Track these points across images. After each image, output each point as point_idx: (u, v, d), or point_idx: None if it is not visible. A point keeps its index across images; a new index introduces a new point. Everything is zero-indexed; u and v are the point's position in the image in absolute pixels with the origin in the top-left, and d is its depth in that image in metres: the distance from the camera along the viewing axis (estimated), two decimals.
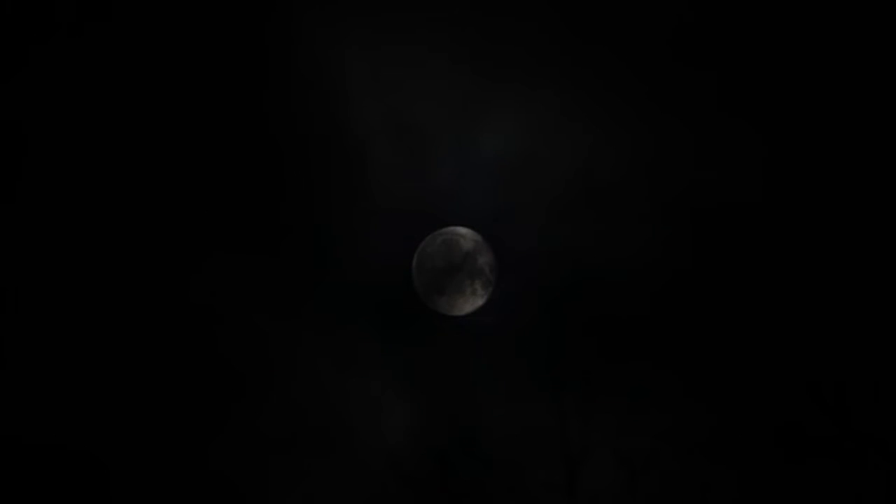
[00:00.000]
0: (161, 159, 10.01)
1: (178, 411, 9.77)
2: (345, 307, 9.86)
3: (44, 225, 9.94)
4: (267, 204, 9.91)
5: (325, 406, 9.92)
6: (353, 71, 9.94)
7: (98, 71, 9.96)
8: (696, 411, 9.66)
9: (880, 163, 9.83)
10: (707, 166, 9.84)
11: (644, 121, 9.90)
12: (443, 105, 9.95)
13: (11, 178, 9.87)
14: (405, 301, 10.05)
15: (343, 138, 9.96)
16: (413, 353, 10.04)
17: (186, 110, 10.00)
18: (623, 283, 9.76)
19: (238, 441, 9.77)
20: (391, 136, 9.89)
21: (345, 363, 9.92)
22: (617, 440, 9.76)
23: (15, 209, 9.88)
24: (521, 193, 9.98)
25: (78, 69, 9.95)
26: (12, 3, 9.79)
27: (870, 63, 9.83)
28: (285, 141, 9.94)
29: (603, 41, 9.94)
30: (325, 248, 9.92)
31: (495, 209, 9.97)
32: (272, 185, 9.92)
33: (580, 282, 9.68)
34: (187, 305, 9.86)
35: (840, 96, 9.86)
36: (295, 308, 9.88)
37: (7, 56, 9.71)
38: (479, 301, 10.03)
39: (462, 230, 10.04)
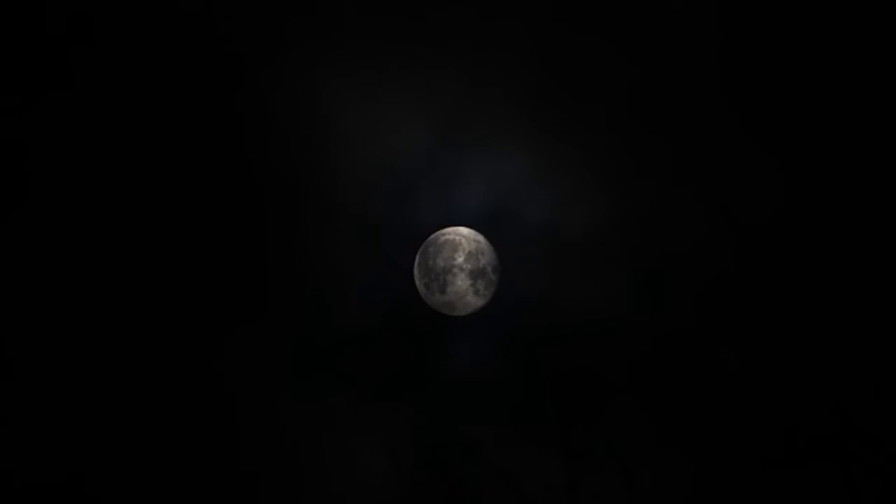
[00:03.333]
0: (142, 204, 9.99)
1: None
2: (343, 351, 9.91)
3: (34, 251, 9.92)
4: (251, 255, 9.92)
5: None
6: (333, 120, 9.95)
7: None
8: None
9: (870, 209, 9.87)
10: (695, 232, 9.89)
11: (638, 180, 9.94)
12: (422, 153, 9.96)
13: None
14: (406, 304, 10.05)
15: (320, 190, 9.97)
16: (413, 355, 10.05)
17: (163, 156, 9.99)
18: (603, 337, 9.82)
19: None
20: (370, 186, 9.90)
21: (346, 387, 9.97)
22: (617, 442, 9.81)
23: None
24: (502, 243, 10.05)
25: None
26: None
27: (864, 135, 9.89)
28: (268, 185, 9.95)
29: (584, 94, 9.96)
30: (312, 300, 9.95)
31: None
32: (255, 235, 9.92)
33: (559, 334, 9.77)
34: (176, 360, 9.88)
35: (825, 158, 9.90)
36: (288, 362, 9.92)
37: None
38: (480, 301, 10.03)
39: (465, 230, 10.04)
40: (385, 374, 9.91)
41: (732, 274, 9.82)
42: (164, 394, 9.76)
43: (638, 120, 9.92)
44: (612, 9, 9.93)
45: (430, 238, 10.05)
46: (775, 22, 9.91)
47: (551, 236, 9.92)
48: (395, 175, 10.00)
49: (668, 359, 9.74)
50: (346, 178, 9.96)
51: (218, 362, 9.82)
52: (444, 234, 10.05)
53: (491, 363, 9.93)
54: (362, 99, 9.93)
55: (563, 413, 9.76)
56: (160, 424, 9.75)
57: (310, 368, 9.89)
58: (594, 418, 9.73)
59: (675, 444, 9.73)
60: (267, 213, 9.96)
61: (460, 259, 9.99)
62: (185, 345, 9.78)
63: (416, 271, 10.06)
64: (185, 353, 9.78)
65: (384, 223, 9.98)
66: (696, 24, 9.92)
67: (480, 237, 10.04)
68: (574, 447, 9.73)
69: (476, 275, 10.01)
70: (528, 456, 9.91)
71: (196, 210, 9.89)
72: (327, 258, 9.97)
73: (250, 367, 9.84)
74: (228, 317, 9.87)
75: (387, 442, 9.86)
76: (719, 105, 9.88)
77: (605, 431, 9.72)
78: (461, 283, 10.00)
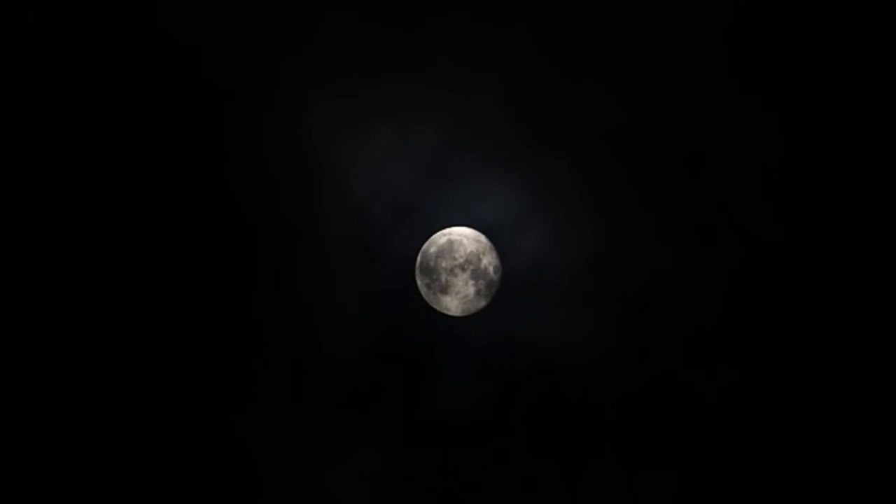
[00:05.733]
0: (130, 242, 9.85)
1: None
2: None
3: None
4: (244, 288, 9.83)
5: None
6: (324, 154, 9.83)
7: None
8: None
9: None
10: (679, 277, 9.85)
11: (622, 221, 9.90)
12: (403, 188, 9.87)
13: None
14: (407, 306, 9.99)
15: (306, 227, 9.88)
16: (414, 355, 10.00)
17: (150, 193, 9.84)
18: (590, 373, 9.83)
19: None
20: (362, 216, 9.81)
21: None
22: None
23: None
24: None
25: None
26: None
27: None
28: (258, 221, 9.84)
29: (568, 129, 9.87)
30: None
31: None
32: (247, 268, 9.82)
33: (543, 367, 9.78)
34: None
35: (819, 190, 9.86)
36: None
37: None
38: (482, 302, 9.95)
39: (466, 230, 9.95)
40: (387, 388, 9.88)
41: (730, 282, 9.81)
42: (160, 427, 9.73)
43: (632, 154, 9.85)
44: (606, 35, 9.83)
45: (431, 238, 9.95)
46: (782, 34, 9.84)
47: (538, 270, 9.89)
48: (383, 208, 9.90)
49: (656, 390, 9.77)
50: (337, 208, 9.87)
51: (215, 393, 9.77)
52: (445, 235, 9.95)
53: (491, 369, 9.91)
54: (350, 128, 9.82)
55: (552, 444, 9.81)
56: (157, 441, 9.71)
57: (307, 391, 9.86)
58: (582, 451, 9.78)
59: (669, 461, 9.78)
60: (258, 248, 9.86)
61: (461, 259, 9.90)
62: (178, 386, 9.73)
63: (417, 272, 9.97)
64: (178, 395, 9.72)
65: (376, 252, 9.89)
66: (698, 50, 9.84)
67: (482, 237, 9.95)
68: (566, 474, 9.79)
69: (478, 275, 9.92)
70: (524, 469, 9.94)
71: (185, 249, 9.78)
72: (322, 287, 9.90)
73: (251, 395, 9.79)
74: (225, 351, 9.81)
75: (386, 450, 9.84)
76: (715, 136, 9.82)
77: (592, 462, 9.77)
78: (462, 283, 9.92)
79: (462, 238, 9.96)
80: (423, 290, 9.98)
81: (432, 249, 9.95)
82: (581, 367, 9.80)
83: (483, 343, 9.94)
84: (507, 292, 9.94)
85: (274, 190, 9.81)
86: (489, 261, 9.96)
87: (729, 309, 9.73)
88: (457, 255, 9.92)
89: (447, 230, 9.97)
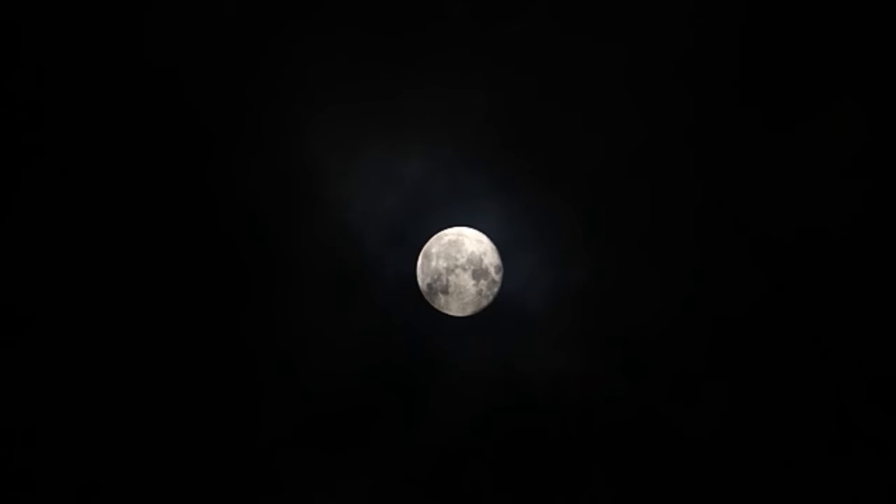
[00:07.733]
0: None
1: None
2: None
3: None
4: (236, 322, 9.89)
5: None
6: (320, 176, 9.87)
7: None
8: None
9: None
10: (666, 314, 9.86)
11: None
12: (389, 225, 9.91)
13: None
14: (407, 305, 10.03)
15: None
16: (415, 355, 10.04)
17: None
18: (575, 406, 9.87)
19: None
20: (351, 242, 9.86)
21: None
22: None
23: None
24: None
25: None
26: None
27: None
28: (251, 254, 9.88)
29: (558, 158, 9.88)
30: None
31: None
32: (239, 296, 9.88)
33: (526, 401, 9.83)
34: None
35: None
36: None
37: None
38: (483, 302, 9.99)
39: (468, 230, 9.98)
40: (385, 407, 9.94)
41: (722, 316, 9.82)
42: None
43: (621, 184, 9.87)
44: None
45: (432, 238, 9.99)
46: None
47: (521, 305, 9.95)
48: (376, 230, 9.96)
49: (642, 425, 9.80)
50: (331, 232, 9.92)
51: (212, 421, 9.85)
52: (446, 235, 9.99)
53: (477, 399, 9.98)
54: (341, 150, 9.87)
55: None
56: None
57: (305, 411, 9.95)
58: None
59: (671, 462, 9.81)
60: (250, 273, 9.93)
61: (462, 259, 9.94)
62: (174, 413, 9.80)
63: (418, 272, 10.02)
64: (174, 422, 9.80)
65: (371, 272, 9.95)
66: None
67: (483, 237, 9.98)
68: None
69: (479, 275, 9.96)
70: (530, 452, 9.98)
71: (178, 279, 9.84)
72: (319, 309, 9.97)
73: (249, 418, 9.87)
74: (222, 378, 9.88)
75: (383, 469, 9.92)
76: (717, 160, 9.82)
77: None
78: (464, 283, 9.95)
79: (463, 238, 10.00)
80: (424, 291, 10.02)
81: (434, 249, 9.99)
82: (571, 398, 9.83)
83: (468, 378, 9.99)
84: (497, 319, 9.99)
85: (265, 212, 9.85)
86: (490, 261, 10.00)
87: (719, 343, 9.75)
88: (458, 255, 9.95)
89: (447, 230, 10.01)
